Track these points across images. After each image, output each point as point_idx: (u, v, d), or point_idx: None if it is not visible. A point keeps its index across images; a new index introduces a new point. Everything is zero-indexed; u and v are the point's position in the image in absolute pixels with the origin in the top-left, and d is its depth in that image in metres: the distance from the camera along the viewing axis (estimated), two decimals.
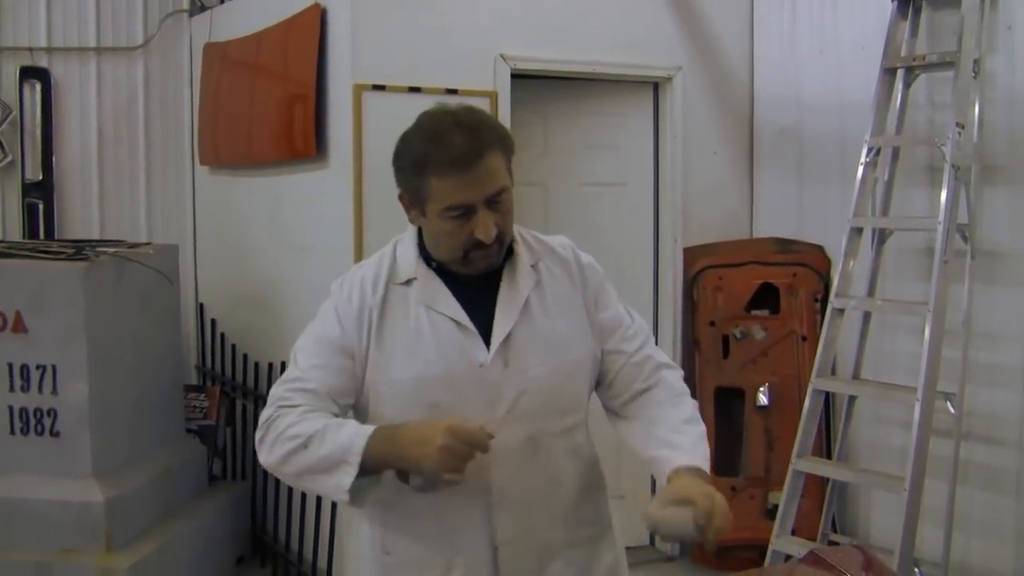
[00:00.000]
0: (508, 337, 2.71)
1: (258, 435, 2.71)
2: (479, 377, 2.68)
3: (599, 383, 2.91)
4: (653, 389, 2.87)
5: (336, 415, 2.68)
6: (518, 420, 2.69)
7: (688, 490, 2.52)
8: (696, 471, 2.64)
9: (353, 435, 2.56)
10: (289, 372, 2.77)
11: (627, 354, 2.87)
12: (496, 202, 2.62)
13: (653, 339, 2.98)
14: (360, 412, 2.77)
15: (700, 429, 2.81)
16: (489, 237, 2.60)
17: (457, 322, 2.70)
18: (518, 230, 2.83)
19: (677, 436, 2.76)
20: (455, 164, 2.55)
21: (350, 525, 2.95)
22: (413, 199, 2.69)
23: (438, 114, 2.66)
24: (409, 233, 2.84)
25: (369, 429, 2.58)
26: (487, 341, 2.70)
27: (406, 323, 2.71)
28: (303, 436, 2.60)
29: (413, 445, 2.50)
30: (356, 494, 2.61)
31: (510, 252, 2.78)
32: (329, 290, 2.85)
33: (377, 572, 2.83)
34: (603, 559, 2.90)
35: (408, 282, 2.75)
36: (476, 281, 2.74)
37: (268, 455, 2.68)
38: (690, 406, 2.87)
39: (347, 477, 2.56)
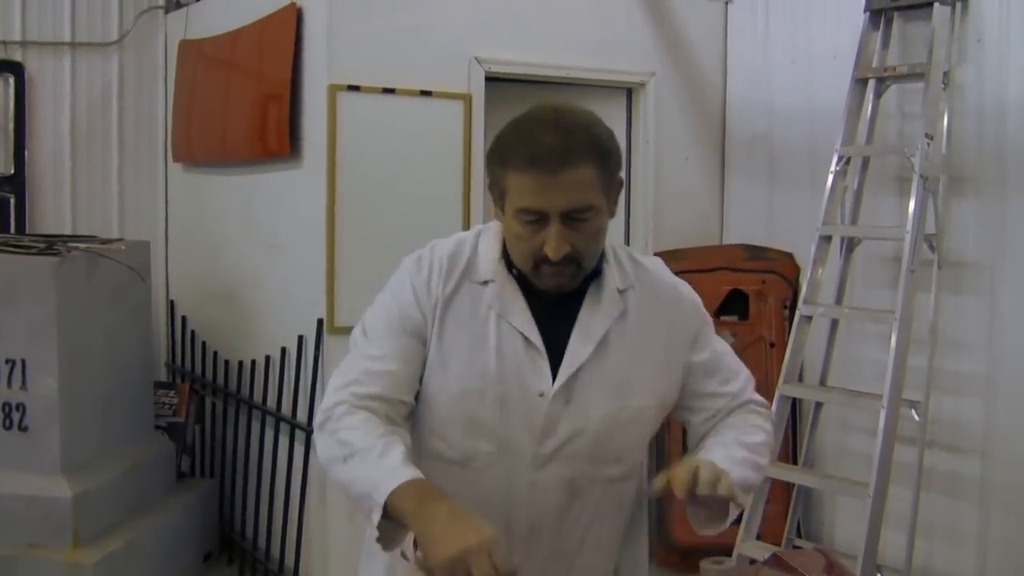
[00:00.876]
0: (578, 371, 2.46)
1: (318, 418, 2.44)
2: (535, 407, 2.45)
3: (689, 419, 2.70)
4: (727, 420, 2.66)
5: (403, 411, 2.47)
6: (563, 461, 2.49)
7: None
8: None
9: (389, 472, 2.24)
10: (364, 346, 2.50)
11: (725, 401, 2.65)
12: (576, 219, 2.36)
13: (748, 375, 2.74)
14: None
15: (751, 451, 2.57)
16: (556, 254, 2.35)
17: (527, 339, 2.46)
18: (613, 248, 2.59)
19: (720, 447, 2.55)
20: (535, 163, 2.32)
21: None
22: (496, 191, 2.46)
23: (543, 107, 2.44)
24: (495, 230, 2.57)
25: (406, 474, 2.23)
26: (554, 369, 2.46)
27: (472, 326, 2.48)
28: (348, 449, 2.33)
29: (436, 542, 2.12)
30: (386, 539, 2.27)
31: (599, 272, 2.52)
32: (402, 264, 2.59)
33: (384, 568, 2.57)
34: None
35: (485, 283, 2.50)
36: (557, 300, 2.49)
37: (320, 446, 2.43)
38: (758, 432, 2.64)
39: (375, 515, 2.23)
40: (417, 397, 2.51)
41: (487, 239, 2.56)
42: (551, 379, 2.45)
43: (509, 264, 2.50)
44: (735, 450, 2.52)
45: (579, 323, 2.49)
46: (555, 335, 2.48)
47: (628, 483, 2.64)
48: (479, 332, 2.47)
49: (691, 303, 2.67)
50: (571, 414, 2.46)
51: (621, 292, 2.54)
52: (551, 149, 2.31)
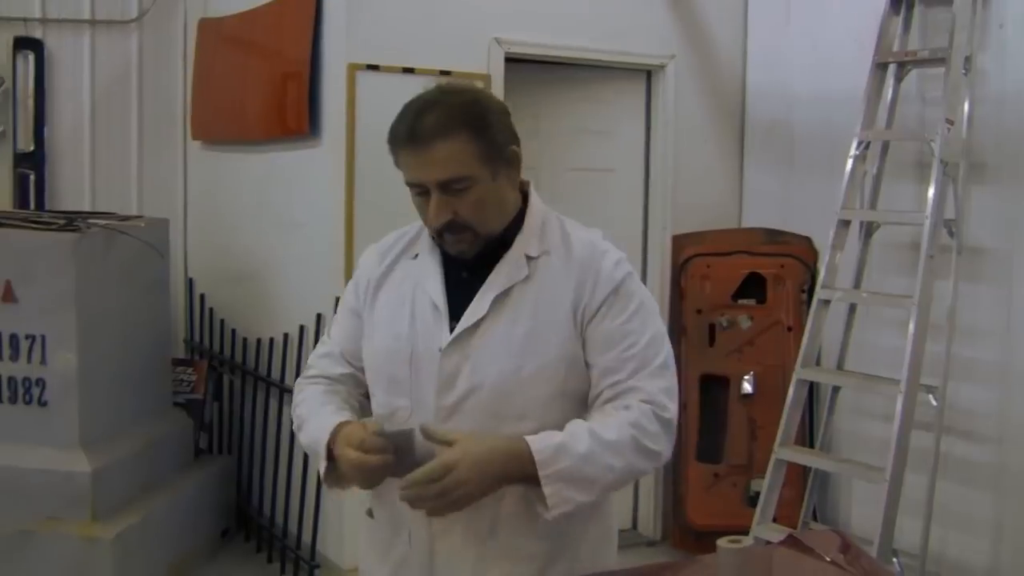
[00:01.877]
0: (475, 328, 2.58)
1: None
2: (435, 361, 2.59)
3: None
4: (606, 407, 2.58)
5: (350, 378, 2.83)
6: (466, 415, 2.56)
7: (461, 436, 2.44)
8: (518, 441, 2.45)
9: (321, 429, 2.64)
10: (326, 333, 2.95)
11: (617, 376, 2.57)
12: (456, 189, 2.50)
13: (661, 366, 2.62)
14: None
15: (586, 434, 2.47)
16: (435, 222, 2.54)
17: (434, 302, 2.64)
18: (544, 218, 2.69)
19: (567, 434, 2.48)
20: (407, 139, 2.51)
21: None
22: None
23: (434, 87, 2.60)
24: None
25: (331, 424, 2.63)
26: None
27: (398, 296, 2.71)
28: (300, 418, 2.77)
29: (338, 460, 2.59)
30: (333, 481, 2.67)
31: (510, 241, 2.64)
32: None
33: (364, 533, 2.89)
34: (556, 571, 2.67)
35: (415, 257, 2.74)
36: (477, 266, 2.62)
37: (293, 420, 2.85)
38: (613, 424, 2.51)
39: (322, 466, 2.65)
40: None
41: None
42: (449, 336, 2.60)
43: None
44: (582, 441, 2.46)
45: (484, 285, 2.62)
46: (465, 300, 2.62)
47: None
48: (399, 300, 2.71)
49: (604, 271, 2.63)
50: (469, 370, 2.57)
51: (531, 258, 2.63)
52: (424, 126, 2.48)
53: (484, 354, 2.57)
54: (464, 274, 2.65)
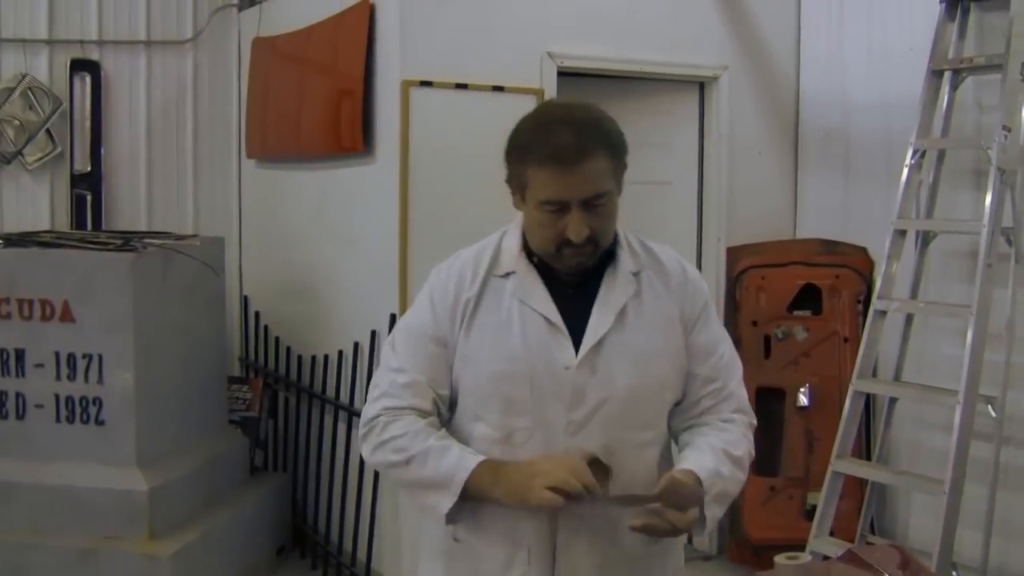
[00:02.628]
0: (599, 343, 2.66)
1: (362, 430, 2.76)
2: (562, 380, 2.64)
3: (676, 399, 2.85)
4: (715, 422, 2.81)
5: (435, 409, 2.74)
6: (594, 428, 2.65)
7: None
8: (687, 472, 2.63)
9: (457, 465, 2.60)
10: (388, 360, 2.79)
11: (717, 384, 2.82)
12: (593, 205, 2.57)
13: (740, 371, 2.93)
14: (451, 401, 2.78)
15: (725, 453, 2.72)
16: (579, 238, 2.56)
17: (548, 320, 2.67)
18: (625, 234, 2.80)
19: (695, 452, 2.72)
20: (554, 159, 2.52)
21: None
22: (515, 184, 2.66)
23: (553, 105, 2.68)
24: (515, 225, 2.80)
25: (473, 461, 2.60)
26: (577, 344, 2.66)
27: (498, 316, 2.69)
28: (406, 453, 2.65)
29: (516, 487, 2.55)
30: (452, 516, 2.64)
31: (613, 256, 2.74)
32: (428, 277, 2.87)
33: (442, 556, 2.82)
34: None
35: (507, 275, 2.72)
36: (577, 283, 2.71)
37: (369, 456, 2.76)
38: (739, 442, 2.78)
39: (446, 503, 2.60)
40: (454, 392, 2.76)
41: (510, 235, 2.80)
42: (574, 353, 2.65)
43: (530, 255, 2.73)
44: (724, 463, 2.69)
45: (598, 301, 2.70)
46: (576, 316, 2.69)
47: (655, 449, 2.79)
48: (504, 320, 2.69)
49: (697, 283, 2.86)
50: (598, 383, 2.65)
51: (635, 274, 2.75)
52: (568, 145, 2.52)
53: (611, 368, 2.66)
54: (569, 291, 2.71)
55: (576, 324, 2.68)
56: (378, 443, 2.70)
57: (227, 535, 5.73)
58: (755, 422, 2.89)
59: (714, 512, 2.65)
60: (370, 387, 2.82)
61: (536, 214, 2.61)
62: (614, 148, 2.62)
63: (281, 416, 6.83)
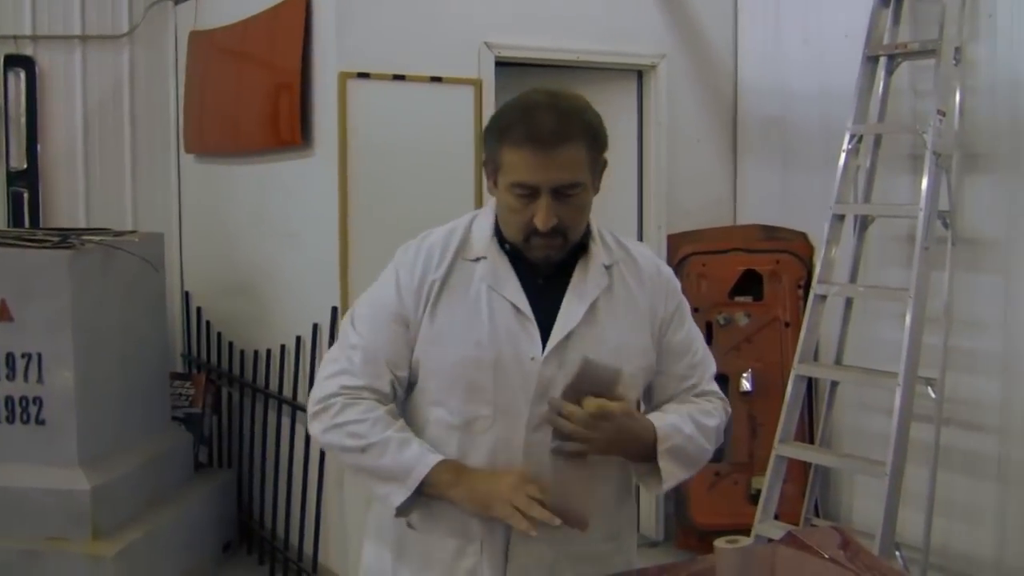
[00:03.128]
0: (568, 336, 2.62)
1: (314, 407, 2.68)
2: (528, 370, 2.60)
3: (650, 397, 2.86)
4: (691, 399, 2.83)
5: (392, 390, 2.67)
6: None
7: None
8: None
9: (416, 460, 2.56)
10: (347, 336, 2.72)
11: (691, 381, 2.82)
12: (565, 194, 2.53)
13: (715, 371, 2.92)
14: (409, 383, 2.72)
15: (701, 431, 2.73)
16: (544, 225, 2.53)
17: (517, 308, 2.62)
18: (599, 229, 2.77)
19: (675, 414, 2.73)
20: (531, 141, 2.49)
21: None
22: (491, 167, 2.62)
23: (540, 91, 2.62)
24: (488, 209, 2.75)
25: (431, 459, 2.56)
26: (546, 337, 2.62)
27: (465, 300, 2.64)
28: (363, 440, 2.59)
29: (480, 496, 2.53)
30: (403, 509, 2.60)
31: (585, 249, 2.71)
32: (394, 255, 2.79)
33: (395, 543, 2.76)
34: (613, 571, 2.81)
35: (477, 259, 2.67)
36: (548, 274, 2.67)
37: (321, 435, 2.68)
38: (710, 414, 2.80)
39: (399, 497, 2.57)
40: (413, 374, 2.70)
41: (480, 220, 2.75)
42: (541, 344, 2.61)
43: (501, 241, 2.68)
44: (685, 423, 2.71)
45: (569, 293, 2.66)
46: (547, 307, 2.64)
47: None
48: (472, 305, 2.64)
49: (671, 283, 2.84)
50: (564, 378, 2.56)
51: (607, 267, 2.72)
52: (548, 128, 2.49)
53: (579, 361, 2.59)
54: (540, 280, 2.67)
55: (545, 316, 2.64)
56: (332, 424, 2.63)
57: (172, 533, 5.69)
58: (730, 411, 2.91)
59: (669, 467, 2.65)
60: (324, 363, 2.76)
61: (507, 197, 2.57)
62: (594, 140, 2.60)
63: (225, 412, 6.80)
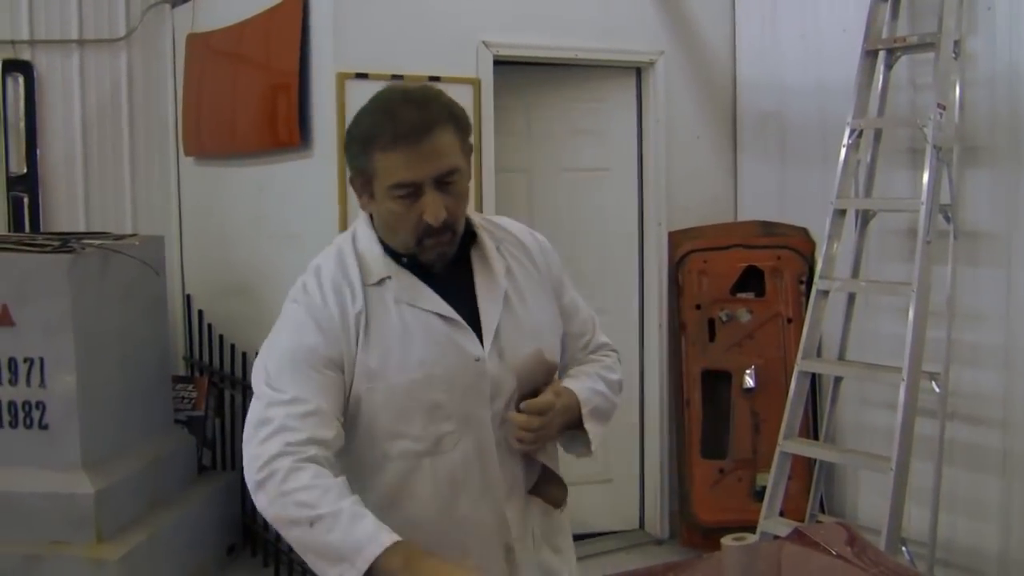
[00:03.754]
0: (498, 329, 2.61)
1: (256, 475, 2.40)
2: (477, 372, 2.57)
3: None
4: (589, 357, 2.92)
5: (337, 441, 2.47)
6: (514, 410, 2.61)
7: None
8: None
9: (368, 538, 2.28)
10: (270, 395, 2.49)
11: (586, 337, 2.90)
12: (446, 183, 2.49)
13: (598, 321, 3.00)
14: (349, 426, 2.54)
15: (609, 386, 2.83)
16: (437, 219, 2.47)
17: (444, 317, 2.56)
18: (471, 216, 2.69)
19: (572, 378, 2.79)
20: (401, 138, 2.43)
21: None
22: (362, 180, 2.55)
23: (388, 90, 2.58)
24: (363, 228, 2.67)
25: (386, 539, 2.28)
26: (477, 334, 2.59)
27: (390, 325, 2.54)
28: (312, 512, 2.32)
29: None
30: None
31: (473, 237, 2.67)
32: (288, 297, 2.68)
33: None
34: (570, 546, 2.92)
35: (381, 282, 2.57)
36: (447, 273, 2.61)
37: (267, 506, 2.40)
38: (612, 368, 2.90)
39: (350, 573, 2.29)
40: (353, 415, 2.55)
41: (363, 242, 2.65)
42: (481, 344, 2.59)
43: (394, 256, 2.60)
44: (597, 382, 2.80)
45: (479, 288, 2.65)
46: (461, 306, 2.60)
47: None
48: (400, 328, 2.55)
49: (548, 248, 2.87)
50: (507, 369, 2.61)
51: (499, 250, 2.72)
52: (411, 122, 2.44)
53: (512, 349, 2.62)
54: (447, 284, 2.61)
55: (465, 314, 2.60)
56: (279, 492, 2.36)
57: (176, 536, 5.68)
58: (619, 353, 3.00)
59: (594, 428, 2.72)
60: (249, 428, 2.50)
61: (389, 204, 2.50)
62: (458, 122, 2.54)
63: (228, 414, 6.78)
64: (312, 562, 2.37)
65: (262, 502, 2.41)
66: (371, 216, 2.66)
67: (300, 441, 2.39)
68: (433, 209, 2.47)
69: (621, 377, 2.91)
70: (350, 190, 5.49)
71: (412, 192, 2.47)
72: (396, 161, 2.45)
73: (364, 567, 2.26)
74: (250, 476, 2.43)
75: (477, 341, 2.58)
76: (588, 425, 2.68)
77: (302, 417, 2.42)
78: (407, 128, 2.44)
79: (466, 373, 2.56)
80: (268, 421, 2.44)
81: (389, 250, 2.60)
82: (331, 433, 2.45)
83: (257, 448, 2.43)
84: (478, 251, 2.67)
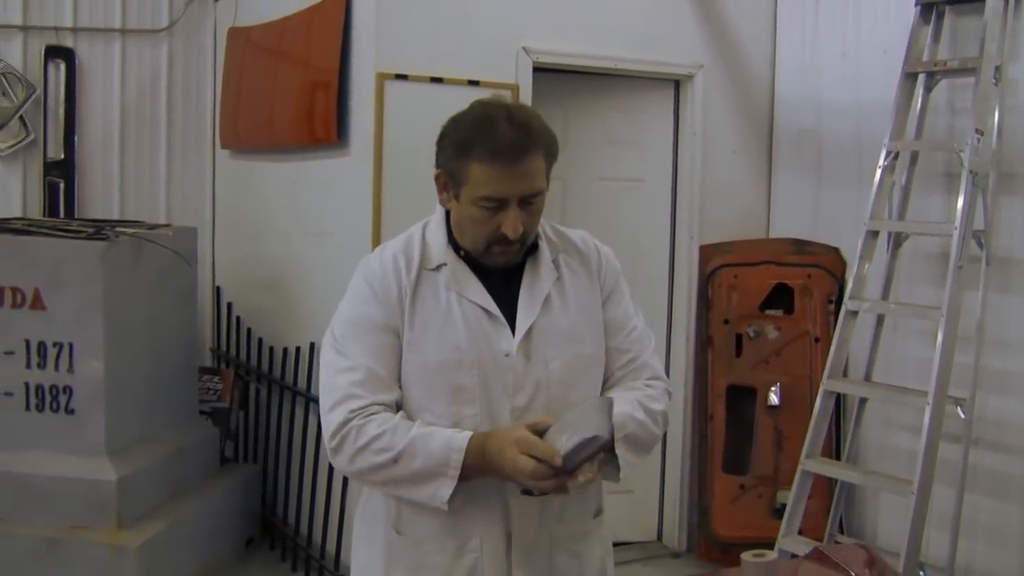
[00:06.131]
0: (530, 330, 2.75)
1: (332, 442, 2.66)
2: (504, 365, 2.72)
3: None
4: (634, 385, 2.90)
5: (396, 401, 2.71)
6: (537, 411, 2.71)
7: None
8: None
9: (447, 447, 2.59)
10: (335, 362, 2.73)
11: (631, 355, 2.91)
12: (529, 202, 2.65)
13: (654, 343, 3.01)
14: None
15: (650, 416, 2.80)
16: (515, 234, 2.63)
17: (486, 311, 2.73)
18: (543, 225, 2.85)
19: (624, 403, 2.76)
20: (499, 154, 2.58)
21: (368, 501, 2.94)
22: (449, 181, 2.71)
23: (493, 103, 2.71)
24: (437, 218, 2.85)
25: (462, 440, 2.60)
26: (513, 333, 2.75)
27: (437, 307, 2.73)
28: (392, 451, 2.60)
29: (496, 459, 2.57)
30: (453, 499, 2.62)
31: (534, 247, 2.81)
32: (349, 272, 2.88)
33: (382, 549, 2.84)
34: (595, 554, 2.97)
35: (438, 268, 2.76)
36: (500, 273, 2.77)
37: (348, 465, 2.67)
38: (656, 399, 2.87)
39: (446, 489, 2.60)
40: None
41: (432, 229, 2.85)
42: (512, 340, 2.73)
43: (455, 247, 2.79)
44: (636, 409, 2.78)
45: (523, 291, 2.79)
46: (505, 304, 2.76)
47: None
48: (444, 311, 2.74)
49: (610, 261, 2.95)
50: (532, 369, 2.74)
51: (554, 261, 2.85)
52: (511, 142, 2.59)
53: (542, 351, 2.76)
54: (495, 281, 2.77)
55: (505, 313, 2.76)
56: (356, 449, 2.63)
57: (195, 526, 5.71)
58: (672, 391, 3.00)
59: (626, 456, 2.72)
60: (322, 394, 2.75)
61: (471, 210, 2.66)
62: (549, 148, 2.69)
63: (252, 407, 6.81)
64: (407, 492, 2.66)
65: (341, 463, 2.69)
66: (447, 212, 2.82)
67: (363, 407, 2.66)
68: (512, 224, 2.63)
69: (666, 409, 2.90)
70: (385, 189, 5.57)
71: (497, 206, 2.63)
72: (489, 175, 2.61)
73: (456, 474, 2.58)
74: (326, 440, 2.70)
75: (511, 338, 2.74)
76: (619, 450, 2.69)
77: (362, 383, 2.68)
78: (507, 146, 2.58)
79: (494, 365, 2.72)
80: (335, 388, 2.70)
81: (453, 242, 2.79)
82: (391, 396, 2.71)
83: (327, 416, 2.70)
84: (533, 258, 2.82)
